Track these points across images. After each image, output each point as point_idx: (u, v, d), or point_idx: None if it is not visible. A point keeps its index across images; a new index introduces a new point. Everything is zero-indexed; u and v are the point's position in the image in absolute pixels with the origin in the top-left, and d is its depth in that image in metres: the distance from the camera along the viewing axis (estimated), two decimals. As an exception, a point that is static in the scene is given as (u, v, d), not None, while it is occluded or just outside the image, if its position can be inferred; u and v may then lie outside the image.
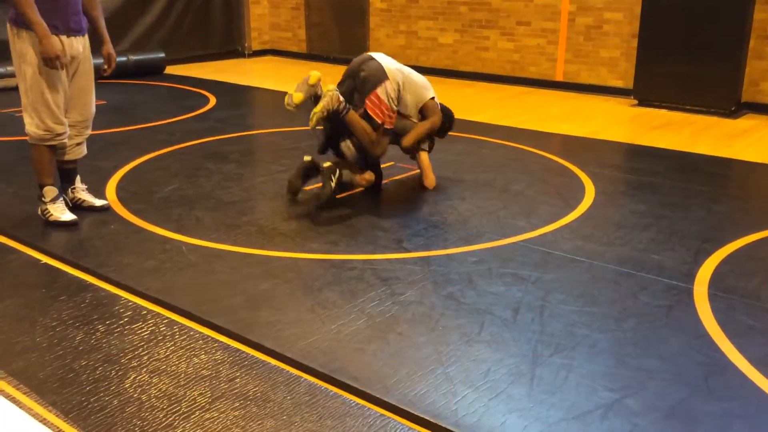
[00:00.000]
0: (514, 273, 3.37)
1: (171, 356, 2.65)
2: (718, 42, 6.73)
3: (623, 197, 4.53)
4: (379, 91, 4.28)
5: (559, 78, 8.24)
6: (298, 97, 4.26)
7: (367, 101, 4.29)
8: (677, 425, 2.27)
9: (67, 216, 3.91)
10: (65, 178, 4.07)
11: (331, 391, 2.45)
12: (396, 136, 4.48)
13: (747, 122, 6.64)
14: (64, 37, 3.67)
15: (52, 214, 3.89)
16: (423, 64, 9.34)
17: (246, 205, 4.29)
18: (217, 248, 3.62)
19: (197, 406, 2.35)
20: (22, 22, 3.55)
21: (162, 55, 9.14)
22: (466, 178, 4.84)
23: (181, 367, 2.58)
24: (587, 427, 2.26)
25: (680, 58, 6.94)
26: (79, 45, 3.77)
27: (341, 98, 4.27)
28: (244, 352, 2.69)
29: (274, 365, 2.60)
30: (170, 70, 9.24)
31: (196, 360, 2.62)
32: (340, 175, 4.25)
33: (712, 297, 3.12)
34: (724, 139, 5.97)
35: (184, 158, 5.26)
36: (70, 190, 4.08)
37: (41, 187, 3.88)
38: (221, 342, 2.76)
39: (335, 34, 10.30)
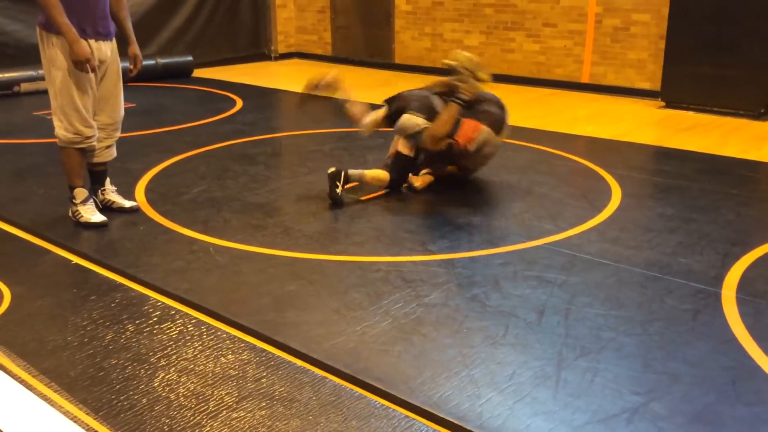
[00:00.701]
0: (540, 276, 3.36)
1: (199, 356, 2.69)
2: (746, 43, 6.64)
3: (651, 200, 4.49)
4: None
5: (586, 80, 8.18)
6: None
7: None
8: (703, 430, 2.26)
9: (98, 217, 3.98)
10: (95, 180, 4.14)
11: (356, 392, 2.47)
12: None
13: (777, 124, 6.54)
14: (92, 42, 3.72)
15: (82, 216, 3.96)
16: (448, 67, 9.33)
17: (272, 207, 4.33)
18: (243, 249, 3.66)
19: (224, 405, 2.38)
20: (52, 27, 3.61)
21: (190, 58, 9.25)
22: (491, 180, 4.84)
23: (209, 367, 2.61)
24: (612, 431, 2.25)
25: (708, 59, 6.86)
26: (107, 49, 3.83)
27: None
28: (270, 352, 2.72)
29: (300, 366, 2.62)
30: (198, 73, 9.35)
31: (223, 360, 2.66)
32: (346, 179, 4.34)
33: (740, 301, 3.09)
34: (754, 142, 5.89)
35: (211, 160, 5.32)
36: (100, 191, 4.16)
37: (72, 188, 3.96)
38: (248, 342, 2.80)
39: (360, 36, 10.34)
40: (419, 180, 4.64)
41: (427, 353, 2.70)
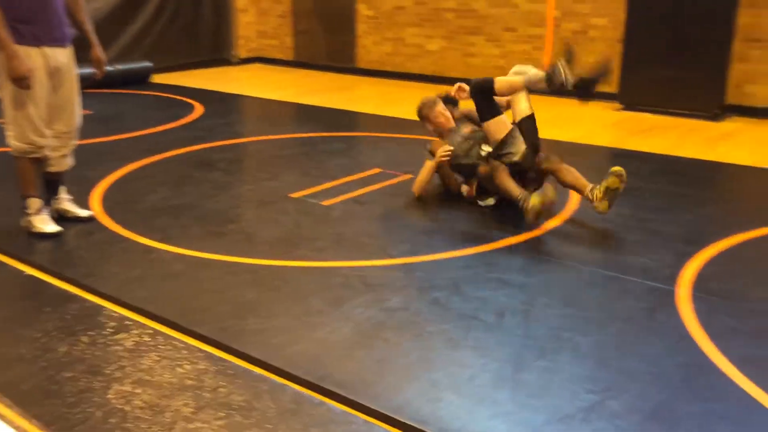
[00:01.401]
0: (500, 278, 3.38)
1: (155, 366, 2.65)
2: (702, 46, 6.79)
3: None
4: None
5: (546, 83, 8.27)
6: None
7: None
8: (659, 426, 2.29)
9: (51, 227, 3.89)
10: (50, 189, 4.06)
11: (317, 398, 2.45)
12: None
13: (731, 125, 6.70)
14: (47, 49, 3.65)
15: (35, 226, 3.87)
16: (410, 71, 9.37)
17: (233, 214, 4.29)
18: (203, 257, 3.62)
19: (181, 416, 2.35)
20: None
21: (149, 64, 9.13)
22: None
23: (165, 378, 2.57)
24: (570, 430, 2.27)
25: (665, 62, 6.99)
26: (63, 56, 3.75)
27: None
28: (228, 361, 2.69)
29: (259, 374, 2.60)
30: (157, 78, 9.23)
31: (180, 370, 2.62)
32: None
33: (695, 299, 3.15)
34: (709, 142, 6.02)
35: (170, 167, 5.26)
36: (53, 201, 4.07)
37: (25, 198, 3.87)
38: (206, 351, 2.76)
39: (322, 41, 10.32)
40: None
41: (388, 358, 2.69)
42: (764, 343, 2.79)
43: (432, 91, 8.53)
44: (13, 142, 3.75)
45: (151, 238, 3.86)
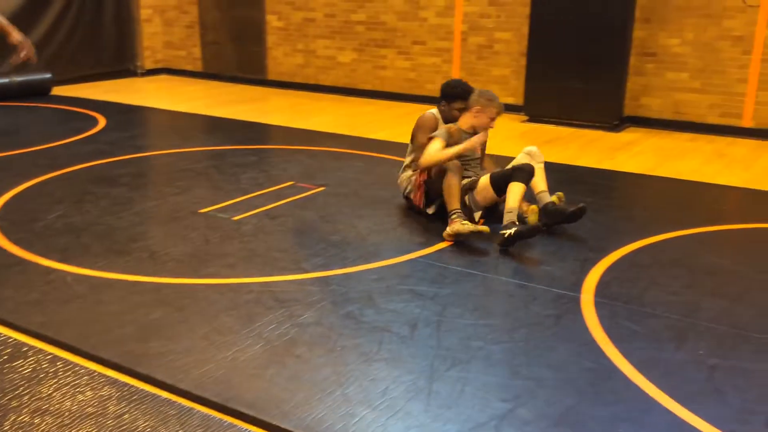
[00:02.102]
0: (412, 289, 3.40)
1: (54, 394, 2.51)
2: (601, 59, 7.10)
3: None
4: None
5: (455, 95, 8.43)
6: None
7: None
8: (566, 430, 2.35)
9: None
10: None
11: (226, 421, 2.38)
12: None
13: (629, 135, 7.02)
14: None
15: None
16: (323, 83, 9.36)
17: (137, 231, 4.14)
18: (105, 277, 3.47)
19: (82, 445, 2.23)
20: None
21: (48, 75, 8.74)
22: (365, 196, 4.87)
23: (65, 406, 2.44)
24: (482, 440, 2.30)
25: (566, 75, 7.27)
26: None
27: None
28: (133, 386, 2.58)
29: (166, 398, 2.50)
30: (58, 91, 8.85)
31: (81, 397, 2.50)
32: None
33: (598, 304, 3.26)
34: (609, 152, 6.29)
35: (70, 183, 5.03)
36: None
37: None
38: (109, 377, 2.64)
39: (232, 52, 10.17)
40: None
41: (300, 375, 2.65)
42: (661, 346, 2.91)
43: (344, 103, 8.58)
44: None
45: (49, 258, 3.68)
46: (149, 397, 2.50)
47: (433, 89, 8.56)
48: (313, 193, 4.89)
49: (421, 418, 2.40)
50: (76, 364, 2.71)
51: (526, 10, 7.57)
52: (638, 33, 7.22)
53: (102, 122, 7.12)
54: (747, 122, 6.92)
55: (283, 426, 2.34)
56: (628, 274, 3.61)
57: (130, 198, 4.73)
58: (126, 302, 3.21)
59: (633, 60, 7.28)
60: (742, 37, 6.78)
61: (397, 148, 6.27)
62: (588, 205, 4.33)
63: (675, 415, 2.44)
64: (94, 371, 2.67)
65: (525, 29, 7.64)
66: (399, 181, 4.70)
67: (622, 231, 4.27)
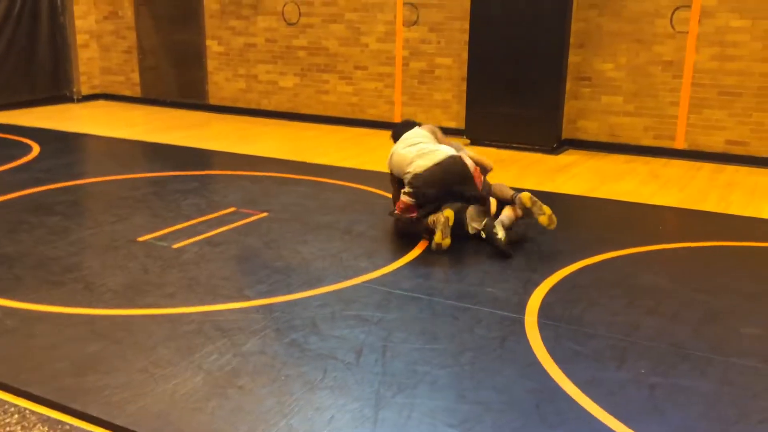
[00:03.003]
0: (357, 314, 3.37)
1: (-20, 436, 2.38)
2: (538, 84, 7.26)
3: (459, 235, 4.70)
4: None
5: (398, 120, 8.49)
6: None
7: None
8: (513, 455, 2.35)
9: None
10: None
11: (165, 456, 2.30)
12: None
13: (567, 158, 7.18)
14: None
15: None
16: (265, 107, 9.31)
17: (72, 261, 4.00)
18: (38, 310, 3.33)
19: (11, 490, 2.12)
20: None
21: (-22, 101, 8.45)
22: (309, 221, 4.83)
23: (-7, 448, 2.32)
24: (429, 467, 2.27)
25: (505, 99, 7.41)
26: None
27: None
28: (67, 423, 2.47)
29: (102, 435, 2.41)
30: (-11, 117, 8.56)
31: (10, 437, 2.38)
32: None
33: (542, 326, 3.29)
34: (548, 174, 6.41)
35: (3, 212, 4.84)
36: None
37: None
38: (41, 414, 2.52)
39: (172, 77, 10.03)
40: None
41: (243, 406, 2.59)
42: (603, 366, 2.95)
43: (287, 127, 8.54)
44: None
45: (-23, 291, 3.52)
46: (83, 435, 2.40)
47: (376, 114, 8.61)
48: (255, 219, 4.82)
49: (367, 446, 2.37)
50: (6, 402, 2.59)
51: (465, 37, 7.70)
52: (573, 58, 7.42)
53: (36, 149, 6.90)
54: (680, 144, 7.17)
55: (225, 460, 2.27)
56: (570, 295, 3.66)
57: (66, 227, 4.58)
58: (59, 335, 3.08)
59: (569, 84, 7.48)
60: (672, 61, 7.04)
61: (342, 172, 6.26)
62: (529, 227, 4.38)
63: (618, 434, 2.46)
64: (26, 409, 2.55)
65: (465, 55, 7.77)
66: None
67: (563, 252, 4.34)
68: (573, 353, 3.04)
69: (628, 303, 3.58)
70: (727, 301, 3.63)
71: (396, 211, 4.53)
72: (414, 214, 4.43)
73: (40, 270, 3.84)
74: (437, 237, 4.22)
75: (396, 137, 4.81)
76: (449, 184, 4.37)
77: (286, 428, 2.45)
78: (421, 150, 4.47)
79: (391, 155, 4.66)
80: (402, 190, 4.48)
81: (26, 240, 4.31)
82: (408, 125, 4.87)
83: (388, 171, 4.77)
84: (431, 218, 4.36)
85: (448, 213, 4.29)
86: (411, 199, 4.38)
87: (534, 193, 5.70)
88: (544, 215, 4.37)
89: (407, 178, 4.42)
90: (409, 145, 4.56)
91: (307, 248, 4.29)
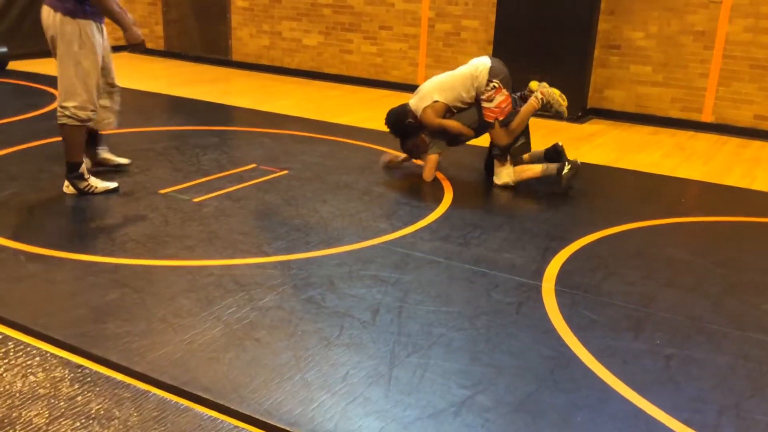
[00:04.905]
0: (375, 275, 3.38)
1: (4, 375, 2.44)
2: (566, 51, 7.13)
3: (479, 198, 4.69)
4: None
5: (421, 82, 8.40)
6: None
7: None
8: (525, 417, 2.37)
9: (112, 184, 4.35)
10: (95, 142, 4.64)
11: (182, 404, 2.34)
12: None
13: (592, 127, 7.09)
14: (102, 25, 4.19)
15: (97, 187, 4.28)
16: (288, 65, 9.26)
17: (95, 210, 4.04)
18: (60, 256, 3.38)
19: (33, 427, 2.17)
20: (78, 14, 4.00)
21: (4, 49, 8.47)
22: (329, 180, 4.83)
23: (16, 387, 2.37)
24: (441, 425, 2.30)
25: (532, 65, 7.28)
26: (104, 31, 4.26)
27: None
28: (87, 367, 2.52)
29: (121, 380, 2.45)
30: (14, 65, 8.58)
31: (32, 378, 2.43)
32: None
33: (559, 293, 3.29)
34: (572, 143, 6.34)
35: (25, 160, 4.89)
36: (97, 152, 4.66)
37: (76, 164, 4.22)
38: (62, 358, 2.57)
39: (195, 31, 9.98)
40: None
41: (259, 359, 2.62)
42: (618, 335, 2.95)
43: (310, 86, 8.49)
44: (78, 112, 4.14)
45: (1, 236, 3.57)
46: (103, 379, 2.44)
47: (399, 75, 8.53)
48: (276, 177, 4.83)
49: (380, 403, 2.39)
50: (28, 345, 2.64)
51: (494, -1, 7.57)
52: (603, 25, 7.27)
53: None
54: (707, 117, 7.04)
55: (240, 410, 2.31)
56: (588, 264, 3.65)
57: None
58: (81, 282, 3.13)
59: (597, 52, 7.34)
60: (704, 32, 6.88)
61: (362, 133, 6.23)
62: (552, 196, 4.35)
63: (631, 404, 2.47)
64: (47, 352, 2.60)
65: (492, 18, 7.64)
66: None
67: (584, 221, 4.31)
68: (589, 321, 3.04)
69: (647, 274, 3.56)
70: (747, 276, 3.60)
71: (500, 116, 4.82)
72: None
73: (61, 218, 3.88)
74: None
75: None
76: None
77: (301, 382, 2.48)
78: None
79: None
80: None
81: (49, 188, 4.35)
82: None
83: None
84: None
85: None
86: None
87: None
88: (562, 105, 4.93)
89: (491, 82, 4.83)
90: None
91: (326, 207, 4.30)
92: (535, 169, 4.83)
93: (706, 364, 2.75)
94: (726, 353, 2.84)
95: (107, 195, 4.30)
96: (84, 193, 4.24)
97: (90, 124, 4.29)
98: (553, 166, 4.80)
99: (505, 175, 4.83)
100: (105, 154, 4.75)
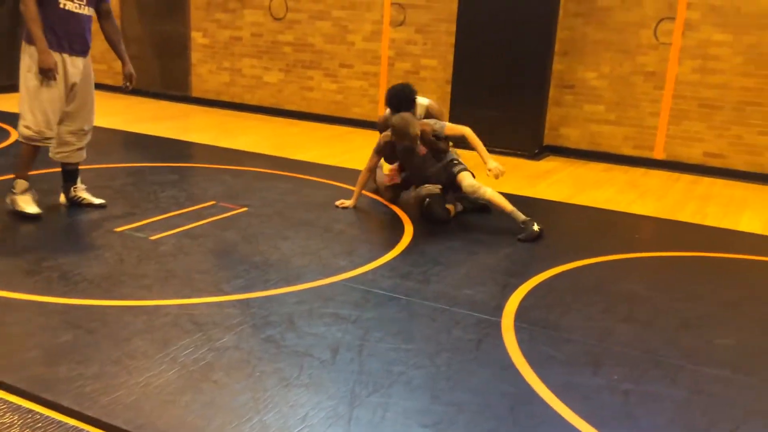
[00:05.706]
0: (335, 313, 3.36)
1: (-52, 423, 2.34)
2: (521, 90, 7.30)
3: (439, 235, 4.72)
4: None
5: (381, 119, 8.50)
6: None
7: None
8: (486, 457, 2.36)
9: (32, 209, 4.38)
10: (69, 178, 4.70)
11: (137, 449, 2.28)
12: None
13: (548, 164, 7.23)
14: (66, 56, 4.31)
15: (19, 205, 4.36)
16: (248, 102, 9.27)
17: (48, 249, 3.95)
18: (10, 297, 3.29)
19: (-23, 479, 2.08)
20: (31, 39, 4.16)
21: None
22: (289, 217, 4.81)
23: (-40, 436, 2.28)
24: (402, 466, 2.27)
25: (489, 103, 7.44)
26: (79, 64, 4.42)
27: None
28: (38, 412, 2.44)
29: (73, 425, 2.38)
30: (-34, 100, 8.42)
31: (-22, 426, 2.34)
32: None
33: (518, 329, 3.31)
34: (529, 180, 6.45)
35: (-24, 198, 4.77)
36: (72, 189, 4.70)
37: (16, 178, 4.40)
38: (11, 403, 2.48)
39: (155, 68, 9.94)
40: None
41: (216, 401, 2.57)
42: (577, 371, 2.98)
43: (270, 123, 8.50)
44: (24, 130, 4.28)
45: (-52, 277, 3.46)
46: (54, 424, 2.36)
47: (360, 112, 8.60)
48: (235, 214, 4.80)
49: (340, 444, 2.36)
50: (-26, 391, 2.55)
51: (451, 39, 7.72)
52: (557, 66, 7.47)
53: (15, 135, 6.80)
54: (659, 154, 7.24)
55: (197, 455, 2.25)
56: (546, 300, 3.69)
57: (42, 215, 4.51)
58: (32, 324, 3.04)
59: (552, 91, 7.53)
60: (655, 72, 7.12)
61: (323, 169, 6.25)
62: (509, 232, 4.40)
63: (590, 439, 2.49)
64: (-6, 398, 2.51)
65: (450, 57, 7.79)
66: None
67: (542, 257, 4.37)
68: (548, 357, 3.06)
69: (604, 309, 3.61)
70: (702, 311, 3.68)
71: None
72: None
73: (14, 258, 3.78)
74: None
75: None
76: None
77: (260, 424, 2.44)
78: None
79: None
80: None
81: (1, 227, 4.24)
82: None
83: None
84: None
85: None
86: None
87: (514, 198, 5.75)
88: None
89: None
90: None
91: (287, 244, 4.28)
92: (507, 205, 4.83)
93: (663, 399, 2.79)
94: (682, 388, 2.88)
95: (60, 235, 4.21)
96: (10, 207, 4.42)
97: (56, 157, 4.54)
98: (522, 216, 4.75)
99: (470, 178, 5.05)
100: (81, 192, 4.75)
